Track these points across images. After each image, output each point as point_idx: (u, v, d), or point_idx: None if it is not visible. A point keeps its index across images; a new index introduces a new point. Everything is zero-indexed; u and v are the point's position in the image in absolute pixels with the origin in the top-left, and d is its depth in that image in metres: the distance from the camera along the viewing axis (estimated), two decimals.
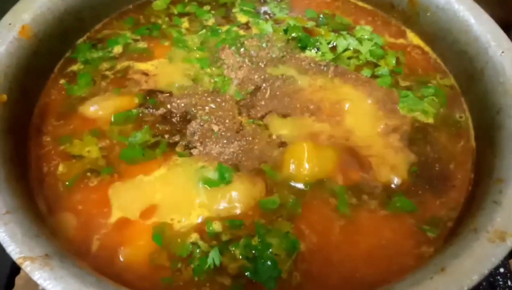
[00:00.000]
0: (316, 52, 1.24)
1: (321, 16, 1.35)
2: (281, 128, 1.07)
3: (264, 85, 1.16)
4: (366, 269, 0.89)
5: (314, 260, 0.89)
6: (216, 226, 0.91)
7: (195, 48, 1.24)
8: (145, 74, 1.16)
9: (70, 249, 0.85)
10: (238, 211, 0.93)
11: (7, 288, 1.11)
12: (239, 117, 1.09)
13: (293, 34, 1.27)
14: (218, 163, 0.99)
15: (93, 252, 0.89)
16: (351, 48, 1.24)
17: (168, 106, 1.10)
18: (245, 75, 1.17)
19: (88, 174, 0.98)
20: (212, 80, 1.16)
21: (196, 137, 1.04)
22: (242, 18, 1.33)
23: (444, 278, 0.75)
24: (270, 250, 0.88)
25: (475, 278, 0.74)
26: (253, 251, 0.88)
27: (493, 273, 1.17)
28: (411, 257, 0.91)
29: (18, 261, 0.73)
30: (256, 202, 0.95)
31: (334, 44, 1.25)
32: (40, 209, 0.92)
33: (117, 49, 1.22)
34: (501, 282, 1.17)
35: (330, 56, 1.23)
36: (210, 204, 0.94)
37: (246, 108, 1.11)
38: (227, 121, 1.08)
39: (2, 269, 1.12)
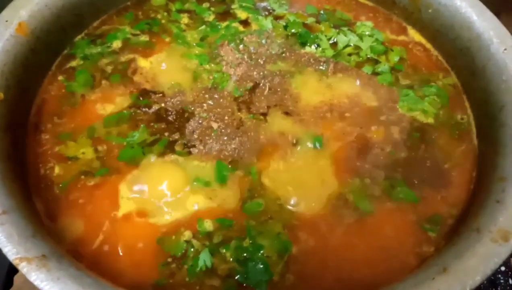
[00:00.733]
0: (316, 49, 1.23)
1: (322, 11, 1.33)
2: (282, 124, 1.07)
3: (263, 81, 1.15)
4: (365, 270, 0.88)
5: (307, 261, 0.88)
6: (208, 225, 0.91)
7: (194, 44, 1.22)
8: (143, 71, 1.15)
9: (68, 250, 0.84)
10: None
11: (5, 286, 1.11)
12: (239, 114, 1.08)
13: (293, 30, 1.26)
14: (217, 160, 0.98)
15: (91, 252, 0.88)
16: (352, 44, 1.23)
17: (162, 104, 1.09)
18: (244, 72, 1.16)
19: (82, 177, 0.97)
20: (211, 77, 1.15)
21: (195, 136, 1.03)
22: (242, 14, 1.31)
23: (447, 279, 0.74)
24: (262, 251, 0.87)
25: (478, 279, 0.74)
26: (244, 254, 0.87)
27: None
28: (412, 257, 0.90)
29: (14, 262, 0.73)
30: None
31: (335, 40, 1.24)
32: (37, 209, 0.92)
33: (116, 44, 1.21)
34: (502, 281, 1.17)
35: (330, 52, 1.21)
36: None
37: (245, 105, 1.10)
38: (226, 117, 1.07)
39: (0, 268, 1.12)
